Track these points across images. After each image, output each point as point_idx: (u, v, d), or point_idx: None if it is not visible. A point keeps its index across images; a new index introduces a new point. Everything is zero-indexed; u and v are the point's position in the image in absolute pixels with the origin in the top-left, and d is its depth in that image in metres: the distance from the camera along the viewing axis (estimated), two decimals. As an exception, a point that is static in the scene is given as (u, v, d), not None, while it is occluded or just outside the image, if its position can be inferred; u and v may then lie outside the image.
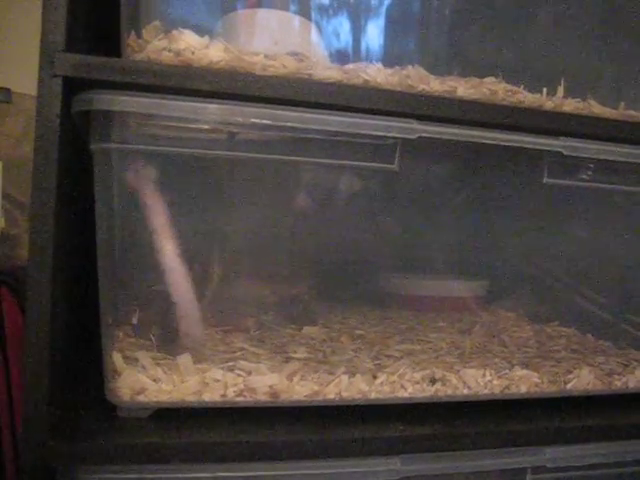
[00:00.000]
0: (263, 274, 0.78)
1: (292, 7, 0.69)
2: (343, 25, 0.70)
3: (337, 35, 0.70)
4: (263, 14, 0.68)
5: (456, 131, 0.57)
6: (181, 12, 0.61)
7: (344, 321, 0.81)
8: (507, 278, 0.86)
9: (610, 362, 0.71)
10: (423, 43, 0.72)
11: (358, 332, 0.75)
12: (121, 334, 0.58)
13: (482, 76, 0.64)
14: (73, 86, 0.52)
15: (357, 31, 0.70)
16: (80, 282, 0.62)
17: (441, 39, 0.74)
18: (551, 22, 0.75)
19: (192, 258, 0.70)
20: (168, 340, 0.60)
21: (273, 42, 0.65)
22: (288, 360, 0.63)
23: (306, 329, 0.74)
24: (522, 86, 0.65)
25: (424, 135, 0.56)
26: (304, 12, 0.70)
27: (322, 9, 0.69)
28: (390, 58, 0.67)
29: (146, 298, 0.60)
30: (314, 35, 0.70)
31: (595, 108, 0.66)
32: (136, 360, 0.57)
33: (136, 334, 0.59)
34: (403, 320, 0.83)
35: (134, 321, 0.58)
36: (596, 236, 0.84)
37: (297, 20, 0.70)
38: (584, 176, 0.64)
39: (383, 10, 0.71)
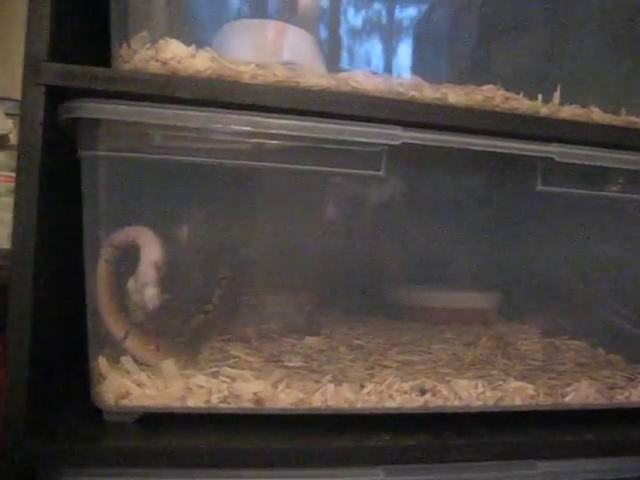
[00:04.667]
0: (269, 284, 0.79)
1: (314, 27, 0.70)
2: (375, 47, 0.71)
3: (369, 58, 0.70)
4: (260, 24, 0.69)
5: (442, 137, 0.57)
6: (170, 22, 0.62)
7: (349, 332, 0.80)
8: (521, 290, 0.84)
9: (615, 376, 0.69)
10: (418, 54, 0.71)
11: (357, 342, 0.75)
12: (107, 338, 0.59)
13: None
14: (62, 95, 0.53)
15: (388, 50, 0.71)
16: (68, 285, 0.63)
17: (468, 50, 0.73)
18: (557, 27, 0.73)
19: (190, 267, 0.71)
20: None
21: (268, 52, 0.66)
22: (279, 368, 0.63)
23: (308, 339, 0.74)
24: (522, 93, 0.65)
25: (408, 141, 0.56)
26: (310, 26, 0.70)
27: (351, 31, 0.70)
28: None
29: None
30: (312, 46, 0.71)
31: (595, 115, 0.65)
32: (121, 364, 0.58)
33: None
34: (410, 332, 0.82)
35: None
36: (612, 246, 0.82)
37: (295, 31, 0.71)
38: (581, 183, 0.63)
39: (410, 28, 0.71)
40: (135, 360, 0.58)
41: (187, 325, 0.67)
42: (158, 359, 0.59)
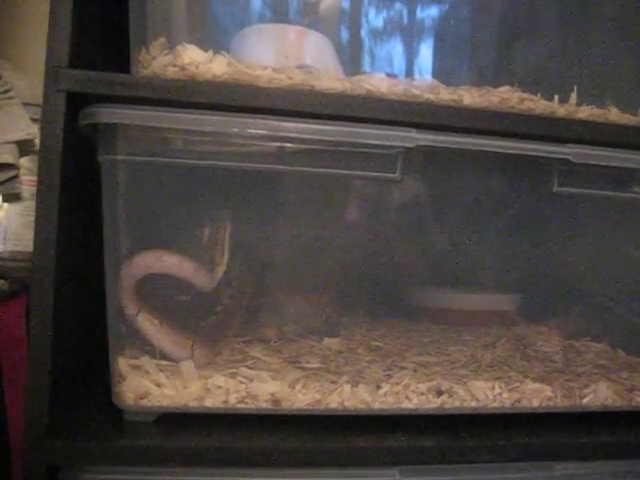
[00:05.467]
0: (288, 285, 0.79)
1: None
2: (393, 50, 0.71)
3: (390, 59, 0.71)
4: (277, 29, 0.70)
5: (457, 139, 0.57)
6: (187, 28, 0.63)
7: (367, 334, 0.80)
8: (541, 292, 0.83)
9: (634, 377, 0.69)
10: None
11: (375, 344, 0.75)
12: (127, 339, 0.60)
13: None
14: (82, 101, 0.54)
15: (407, 53, 0.71)
16: (89, 287, 0.64)
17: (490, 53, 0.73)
18: (575, 27, 0.73)
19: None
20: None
21: (283, 56, 0.66)
22: (296, 369, 0.63)
23: (326, 340, 0.74)
24: (539, 94, 0.64)
25: (422, 144, 0.56)
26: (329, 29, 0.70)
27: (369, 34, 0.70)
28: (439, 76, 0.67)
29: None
30: (330, 51, 0.71)
31: (613, 115, 0.64)
32: (140, 365, 0.58)
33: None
34: (429, 333, 0.82)
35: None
36: (632, 247, 0.81)
37: (315, 35, 0.71)
38: (599, 184, 0.62)
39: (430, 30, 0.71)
40: (143, 336, 0.60)
41: (201, 325, 0.68)
42: (162, 334, 0.60)
